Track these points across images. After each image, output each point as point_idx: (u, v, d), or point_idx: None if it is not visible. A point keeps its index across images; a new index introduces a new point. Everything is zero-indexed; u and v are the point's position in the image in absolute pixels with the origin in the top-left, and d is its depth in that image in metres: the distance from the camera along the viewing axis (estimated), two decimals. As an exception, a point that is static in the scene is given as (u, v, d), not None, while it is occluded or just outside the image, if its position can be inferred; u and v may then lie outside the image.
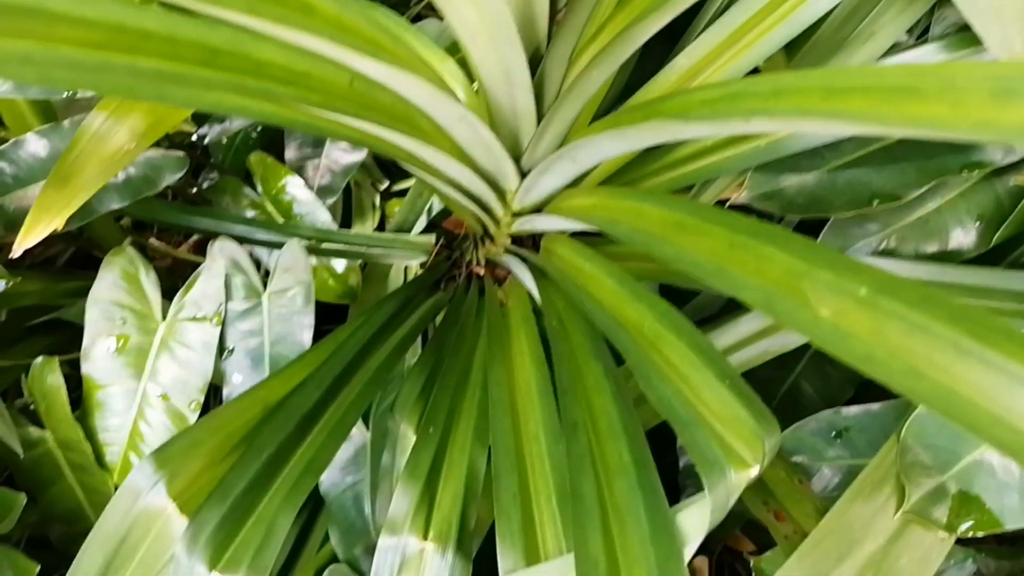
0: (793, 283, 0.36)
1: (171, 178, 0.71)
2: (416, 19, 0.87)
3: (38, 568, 0.62)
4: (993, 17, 0.46)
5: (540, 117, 0.53)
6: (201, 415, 0.67)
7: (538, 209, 0.59)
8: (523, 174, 0.56)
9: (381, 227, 0.86)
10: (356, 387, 0.55)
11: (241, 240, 0.72)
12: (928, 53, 0.56)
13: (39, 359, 0.69)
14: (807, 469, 0.64)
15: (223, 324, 0.68)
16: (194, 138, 0.81)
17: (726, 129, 0.36)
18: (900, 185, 0.57)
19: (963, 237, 0.61)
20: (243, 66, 0.38)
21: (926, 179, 0.57)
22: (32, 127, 0.70)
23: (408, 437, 0.58)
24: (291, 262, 0.69)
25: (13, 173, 0.67)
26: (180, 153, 0.72)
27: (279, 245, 0.71)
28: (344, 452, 0.68)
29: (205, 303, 0.68)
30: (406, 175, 0.89)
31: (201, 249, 0.85)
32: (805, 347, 0.70)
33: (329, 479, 0.68)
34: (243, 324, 0.69)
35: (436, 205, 0.79)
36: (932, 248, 0.61)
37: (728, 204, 0.64)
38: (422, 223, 0.80)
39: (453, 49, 0.64)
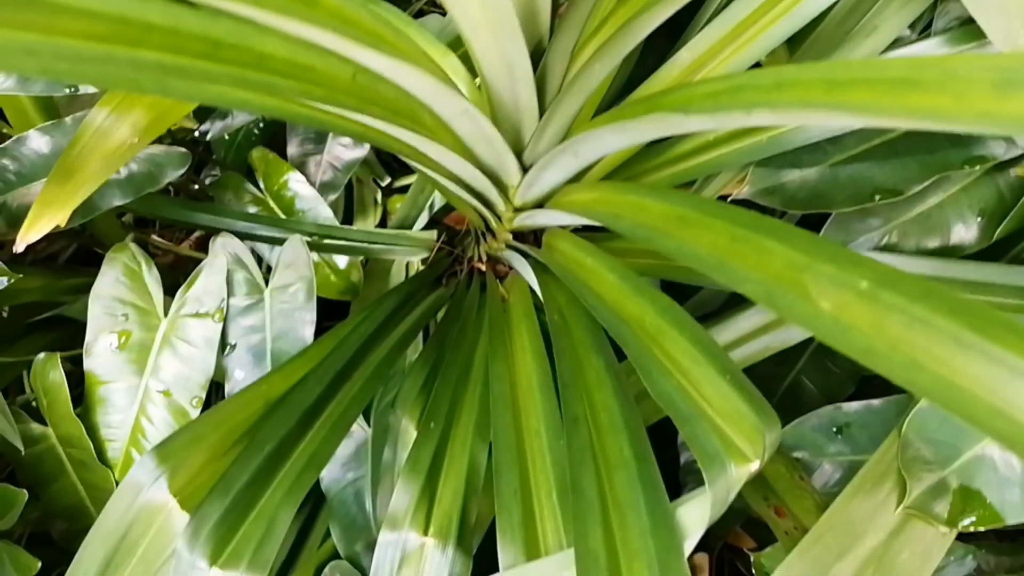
0: (794, 276, 0.36)
1: (173, 174, 0.71)
2: (418, 15, 0.87)
3: (39, 564, 0.62)
4: (996, 11, 0.46)
5: (542, 112, 0.53)
6: (203, 412, 0.67)
7: (540, 204, 0.59)
8: (525, 169, 0.56)
9: (383, 223, 0.86)
10: (358, 382, 0.55)
11: (243, 236, 0.72)
12: (931, 47, 0.56)
13: (41, 355, 0.69)
14: (808, 465, 0.64)
15: (225, 320, 0.68)
16: (196, 134, 0.81)
17: (727, 122, 0.36)
18: (902, 180, 0.57)
19: (965, 232, 0.61)
20: (246, 59, 0.38)
21: (928, 174, 0.57)
22: (35, 124, 0.70)
23: (409, 433, 0.58)
24: (293, 258, 0.69)
25: (16, 170, 0.67)
26: (182, 149, 0.72)
27: (281, 241, 0.71)
28: (345, 448, 0.68)
29: (207, 299, 0.68)
30: (408, 171, 0.89)
31: (203, 246, 0.85)
32: (806, 343, 0.70)
33: (330, 475, 0.68)
34: (245, 320, 0.69)
35: (438, 201, 0.80)
36: (934, 243, 0.61)
37: (730, 199, 0.64)
38: (424, 219, 0.80)
39: (455, 45, 0.64)
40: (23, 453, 0.67)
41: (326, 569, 0.63)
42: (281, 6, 0.35)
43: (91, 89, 0.67)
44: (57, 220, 0.55)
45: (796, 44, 0.64)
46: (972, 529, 0.44)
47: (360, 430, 0.68)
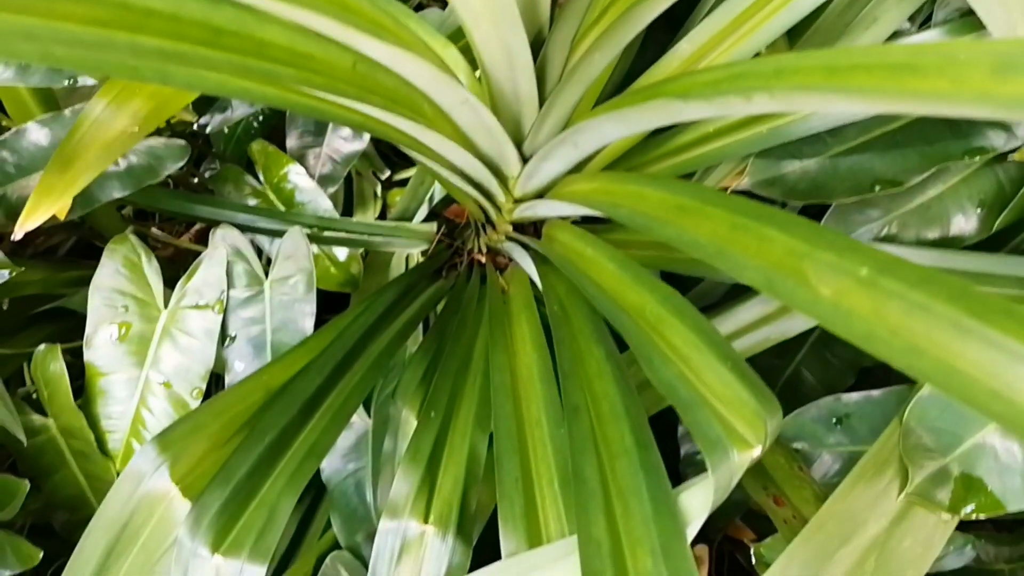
0: (794, 264, 0.36)
1: (173, 167, 0.71)
2: (417, 9, 0.87)
3: (41, 554, 0.62)
4: (996, 2, 0.46)
5: (542, 102, 0.53)
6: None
7: (540, 195, 0.60)
8: (525, 160, 0.56)
9: (382, 216, 0.86)
10: (358, 372, 0.56)
11: (243, 228, 0.72)
12: (930, 38, 0.56)
13: (41, 347, 0.69)
14: (807, 456, 0.64)
15: (225, 312, 0.68)
16: (195, 127, 0.81)
17: (727, 108, 0.36)
18: (902, 171, 0.58)
19: (964, 223, 0.61)
20: (246, 46, 0.38)
21: (928, 165, 0.57)
22: (34, 116, 0.70)
23: (409, 423, 0.58)
24: (293, 249, 0.69)
25: (15, 162, 0.67)
26: (182, 142, 0.72)
27: (281, 233, 0.71)
28: (346, 439, 0.68)
29: (207, 291, 0.68)
30: (407, 164, 0.89)
31: (203, 239, 0.85)
32: (806, 335, 0.70)
33: (331, 466, 0.68)
34: (245, 312, 0.69)
35: (438, 194, 0.79)
36: (933, 234, 0.61)
37: (730, 191, 0.64)
38: (423, 212, 0.80)
39: (455, 38, 0.64)
40: (25, 444, 0.67)
41: (327, 559, 0.63)
42: (282, -8, 0.35)
43: (90, 81, 0.67)
44: (55, 209, 0.55)
45: (796, 36, 0.64)
46: (974, 516, 0.44)
47: (360, 421, 0.68)
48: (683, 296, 0.46)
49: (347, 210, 0.85)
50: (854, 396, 0.62)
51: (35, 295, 0.79)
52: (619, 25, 0.44)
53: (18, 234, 0.54)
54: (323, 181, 0.79)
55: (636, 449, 0.42)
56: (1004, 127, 0.57)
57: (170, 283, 0.71)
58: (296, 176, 0.78)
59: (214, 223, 0.72)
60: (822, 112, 0.54)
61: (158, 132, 0.75)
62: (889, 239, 0.62)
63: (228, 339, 0.69)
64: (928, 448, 0.45)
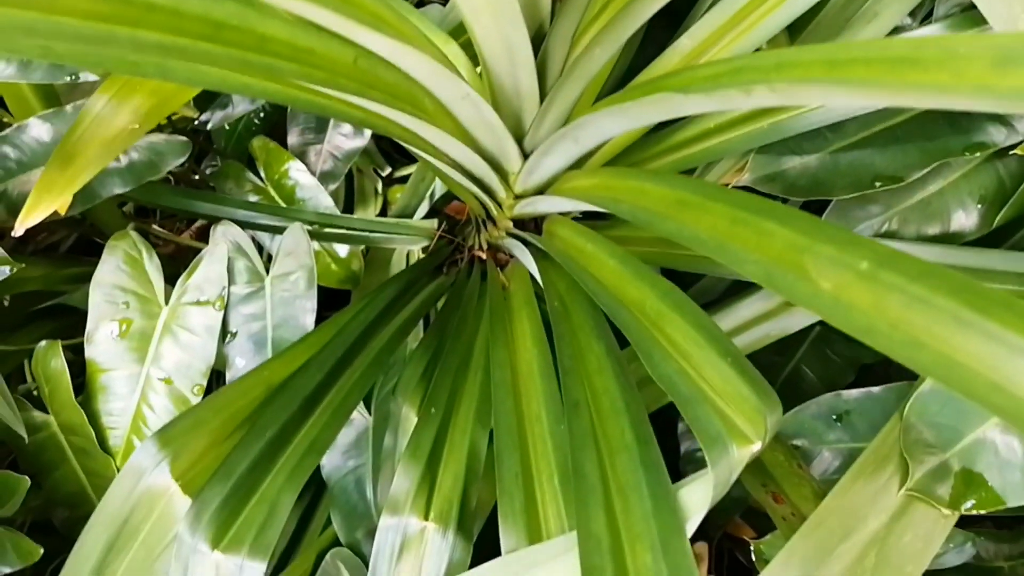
0: (794, 257, 0.36)
1: (174, 163, 0.71)
2: (418, 6, 0.87)
3: (41, 551, 0.62)
4: (997, -4, 0.46)
5: (543, 97, 0.53)
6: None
7: (540, 191, 0.60)
8: (526, 155, 0.56)
9: (383, 213, 0.87)
10: (359, 369, 0.56)
11: (244, 225, 0.72)
12: (932, 33, 0.56)
13: (42, 343, 0.69)
14: (807, 453, 0.64)
15: (226, 308, 0.68)
16: (196, 123, 0.81)
17: (727, 102, 0.36)
18: (903, 167, 0.57)
19: (965, 219, 0.61)
20: (247, 41, 0.38)
21: (929, 160, 0.57)
22: (35, 112, 0.70)
23: (410, 419, 0.58)
24: (293, 246, 0.69)
25: (17, 158, 0.67)
26: (183, 138, 0.72)
27: (281, 230, 0.71)
28: (346, 436, 0.68)
29: (208, 287, 0.68)
30: (408, 161, 0.89)
31: (204, 236, 0.85)
32: (806, 331, 0.70)
33: (331, 463, 0.68)
34: (246, 308, 0.69)
35: (438, 190, 0.80)
36: (934, 230, 0.61)
37: (730, 187, 0.64)
38: (424, 208, 0.80)
39: (456, 34, 0.64)
40: (26, 441, 0.67)
41: (327, 556, 0.63)
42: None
43: (92, 77, 0.67)
44: (56, 205, 0.55)
45: (796, 32, 0.64)
46: (974, 512, 0.44)
47: (361, 418, 0.68)
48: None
49: (348, 207, 0.85)
50: (854, 393, 0.62)
51: (36, 292, 0.79)
52: (619, 20, 0.44)
53: (19, 230, 0.54)
54: (324, 178, 0.79)
55: (636, 445, 0.42)
56: (1004, 122, 0.57)
57: (171, 280, 0.71)
58: (297, 173, 0.78)
59: (215, 220, 0.73)
60: (823, 106, 0.54)
61: (159, 128, 0.76)
62: (889, 235, 0.62)
63: (229, 335, 0.69)
64: (928, 443, 0.45)
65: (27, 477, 0.64)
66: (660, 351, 0.44)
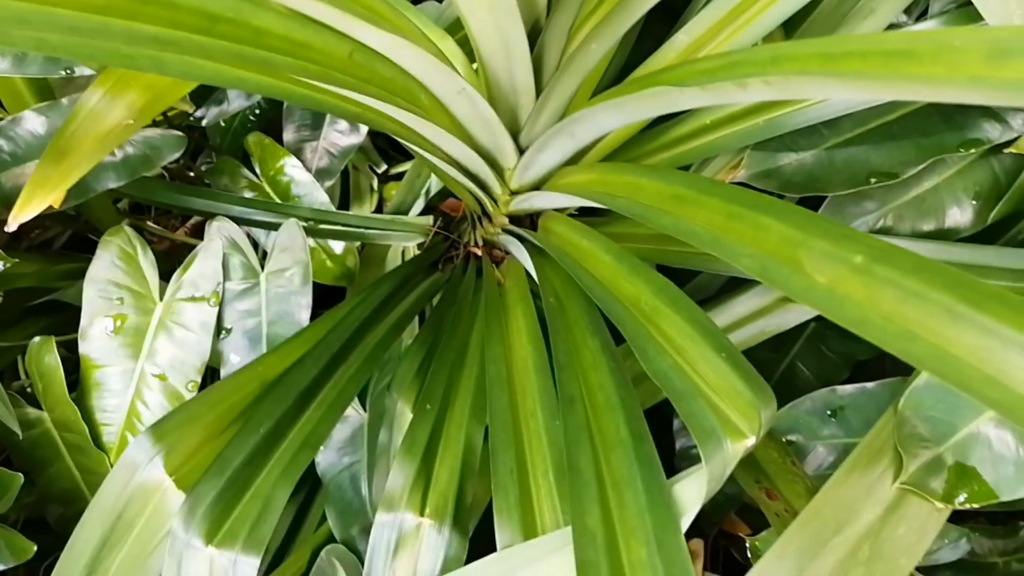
0: (790, 252, 0.36)
1: (169, 157, 0.70)
2: (415, 3, 0.87)
3: (35, 548, 0.62)
4: (991, -9, 0.46)
5: (539, 92, 0.53)
6: (198, 395, 0.67)
7: (536, 187, 0.60)
8: (521, 151, 0.56)
9: (379, 210, 0.86)
10: (354, 364, 0.56)
11: (239, 221, 0.72)
12: (927, 28, 0.56)
13: (36, 339, 0.69)
14: (801, 448, 0.64)
15: (221, 304, 0.68)
16: (191, 119, 0.81)
17: (722, 96, 0.36)
18: (898, 163, 0.58)
19: (960, 215, 0.61)
20: (242, 35, 0.38)
21: (924, 157, 0.57)
22: (30, 106, 0.69)
23: (405, 415, 0.58)
24: (289, 242, 0.68)
25: (11, 151, 0.67)
26: (178, 133, 0.72)
27: (277, 226, 0.71)
28: (341, 433, 0.68)
29: (202, 283, 0.68)
30: (404, 159, 0.89)
31: (198, 233, 0.85)
32: (801, 328, 0.70)
33: (326, 460, 0.68)
34: (241, 304, 0.69)
35: (434, 187, 0.79)
36: (929, 227, 0.61)
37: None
38: (420, 205, 0.80)
39: (452, 30, 0.64)
40: (20, 437, 0.66)
41: (322, 553, 0.63)
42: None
43: (87, 72, 0.67)
44: (50, 200, 0.55)
45: (792, 28, 0.64)
46: (968, 506, 0.44)
47: (356, 415, 0.68)
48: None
49: (344, 204, 0.85)
50: (849, 388, 0.62)
51: (30, 288, 0.79)
52: (615, 15, 0.44)
53: (12, 225, 0.54)
54: (320, 175, 0.79)
55: (631, 440, 0.42)
56: (1000, 119, 0.58)
57: (165, 277, 0.70)
58: (292, 169, 0.77)
59: (210, 216, 0.72)
60: (818, 103, 0.54)
61: (155, 124, 0.75)
62: (885, 231, 0.62)
63: (224, 332, 0.69)
64: (923, 437, 0.45)
65: (21, 474, 0.63)
66: (655, 346, 0.44)
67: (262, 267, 0.70)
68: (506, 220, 0.65)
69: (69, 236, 0.90)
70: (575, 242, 0.56)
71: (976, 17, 0.51)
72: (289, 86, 0.44)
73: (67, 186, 0.55)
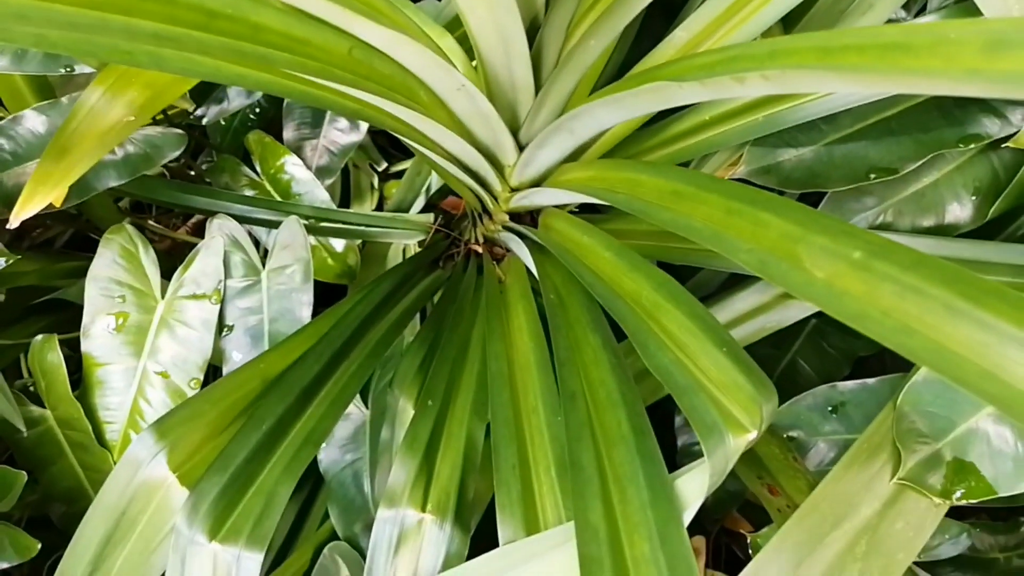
0: (789, 247, 0.36)
1: (170, 155, 0.70)
2: (414, 1, 0.87)
3: (39, 546, 0.62)
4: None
5: (538, 89, 0.53)
6: (200, 393, 0.67)
7: (536, 184, 0.60)
8: (521, 148, 0.56)
9: (379, 208, 0.86)
10: (356, 360, 0.56)
11: (240, 219, 0.72)
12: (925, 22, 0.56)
13: (39, 338, 0.69)
14: (803, 444, 0.64)
15: (222, 302, 0.68)
16: (192, 118, 0.81)
17: (721, 91, 0.36)
18: (897, 159, 0.58)
19: (959, 211, 0.61)
20: (241, 31, 0.38)
21: (923, 152, 0.57)
22: (29, 105, 0.70)
23: (407, 411, 0.58)
24: (290, 239, 0.69)
25: (12, 149, 0.67)
26: (179, 131, 0.72)
27: (277, 224, 0.71)
28: (343, 430, 0.68)
29: (204, 281, 0.68)
30: (404, 157, 0.89)
31: (199, 231, 0.85)
32: (802, 324, 0.70)
33: (328, 457, 0.68)
34: (242, 302, 0.69)
35: (434, 184, 0.80)
36: (928, 222, 0.61)
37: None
38: (420, 203, 0.80)
39: (452, 27, 0.64)
40: (23, 435, 0.67)
41: (324, 550, 0.63)
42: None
43: (87, 69, 0.67)
44: (52, 198, 0.55)
45: (791, 24, 0.64)
46: (966, 501, 0.44)
47: (358, 412, 0.68)
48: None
49: (344, 202, 0.85)
50: (849, 384, 0.63)
51: (32, 286, 0.79)
52: (614, 10, 0.44)
53: (14, 223, 0.54)
54: (320, 173, 0.79)
55: (633, 436, 0.43)
56: (999, 114, 0.58)
57: (167, 276, 0.70)
58: (293, 167, 0.78)
59: (211, 215, 0.72)
60: (818, 98, 0.54)
61: (155, 123, 0.75)
62: (884, 227, 0.62)
63: (226, 329, 0.69)
64: (921, 433, 0.46)
65: (24, 472, 0.64)
66: (656, 342, 0.44)
67: (263, 265, 0.70)
68: (506, 217, 0.65)
69: (71, 235, 0.90)
70: (576, 239, 0.56)
71: (975, 12, 0.51)
72: (288, 82, 0.44)
73: (68, 183, 0.56)
